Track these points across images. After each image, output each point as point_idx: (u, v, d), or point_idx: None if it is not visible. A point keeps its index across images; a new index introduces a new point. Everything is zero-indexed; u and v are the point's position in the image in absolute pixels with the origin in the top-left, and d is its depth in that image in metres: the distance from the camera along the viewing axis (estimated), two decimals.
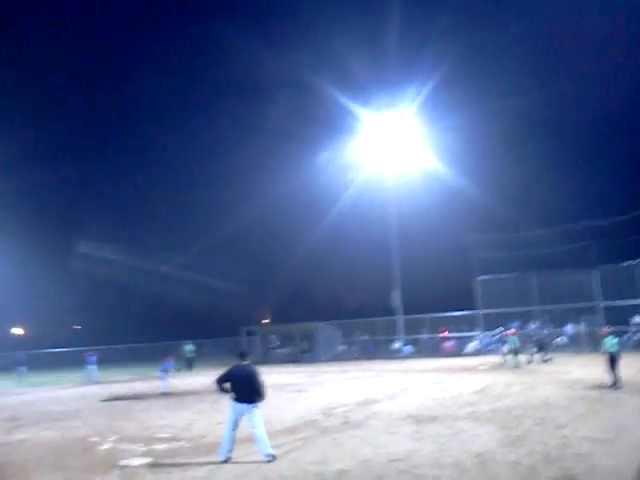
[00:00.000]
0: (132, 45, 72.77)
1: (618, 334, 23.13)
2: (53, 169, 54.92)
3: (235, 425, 8.64)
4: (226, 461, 8.40)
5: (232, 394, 8.73)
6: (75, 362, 37.64)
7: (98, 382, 26.09)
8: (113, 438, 10.88)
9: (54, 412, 15.77)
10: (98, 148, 66.03)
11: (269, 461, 8.28)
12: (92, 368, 27.62)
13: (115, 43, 67.90)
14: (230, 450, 8.53)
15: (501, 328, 27.57)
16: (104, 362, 30.13)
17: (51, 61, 64.38)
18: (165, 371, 20.33)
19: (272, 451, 8.47)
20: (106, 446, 10.16)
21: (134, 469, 8.24)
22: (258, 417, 8.62)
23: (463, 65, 44.11)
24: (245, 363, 9.06)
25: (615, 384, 14.19)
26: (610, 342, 14.73)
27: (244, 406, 8.61)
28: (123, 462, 8.66)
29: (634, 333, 26.97)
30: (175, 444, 10.01)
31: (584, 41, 43.55)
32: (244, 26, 60.89)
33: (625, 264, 27.29)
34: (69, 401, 18.78)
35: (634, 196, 30.24)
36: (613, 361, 14.43)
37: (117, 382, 25.32)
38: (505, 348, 23.62)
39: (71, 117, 66.35)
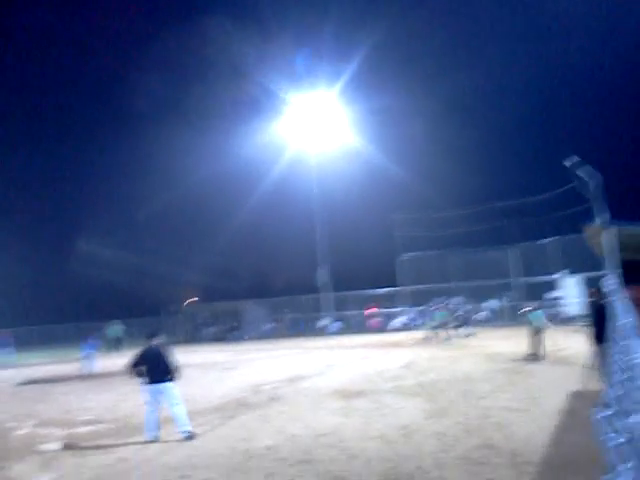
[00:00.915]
0: None
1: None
2: None
3: (154, 406, 8.59)
4: (153, 441, 8.28)
5: (145, 376, 8.66)
6: None
7: (14, 365, 24.91)
8: (31, 423, 10.43)
9: None
10: None
11: (187, 438, 8.30)
12: (6, 350, 26.30)
13: None
14: (155, 430, 8.44)
15: (431, 303, 28.34)
16: (20, 344, 28.76)
17: (47, 58, 60.46)
18: (90, 352, 19.66)
19: (190, 428, 8.50)
20: (24, 431, 9.73)
21: (54, 453, 7.94)
22: (174, 395, 8.63)
23: (387, 46, 44.57)
24: (154, 343, 9.02)
25: (535, 356, 14.90)
26: (537, 316, 15.47)
27: (159, 386, 8.58)
28: (42, 447, 8.33)
29: (550, 308, 28.38)
30: (98, 426, 9.72)
31: (506, 23, 44.93)
32: (174, 5, 59.11)
33: (540, 242, 28.56)
34: None
35: (548, 177, 31.61)
36: (538, 334, 15.15)
37: (35, 365, 24.26)
38: (434, 323, 24.21)
39: None
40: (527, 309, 16.67)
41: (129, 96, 59.34)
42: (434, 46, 48.38)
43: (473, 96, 46.56)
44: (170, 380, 8.66)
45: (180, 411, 8.59)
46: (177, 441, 8.25)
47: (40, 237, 54.53)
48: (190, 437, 8.34)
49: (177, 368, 8.83)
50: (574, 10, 38.95)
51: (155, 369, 8.65)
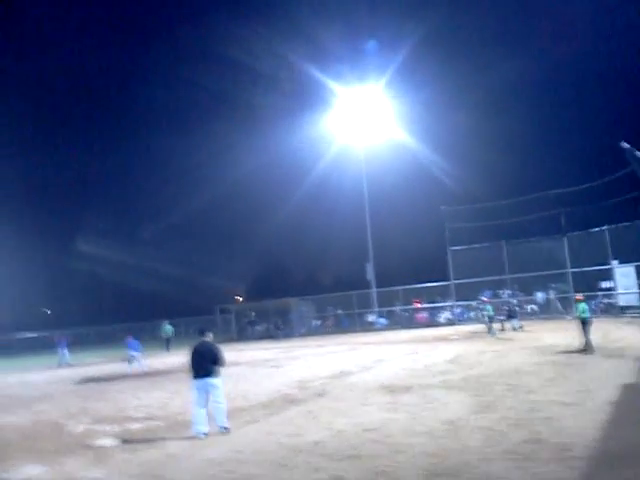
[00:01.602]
0: None
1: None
2: None
3: (202, 401, 8.79)
4: (200, 437, 8.47)
5: (192, 371, 8.95)
6: (46, 346, 37.28)
7: (70, 365, 25.81)
8: (86, 420, 10.79)
9: (25, 396, 15.52)
10: None
11: (222, 433, 8.54)
12: (63, 351, 27.28)
13: None
14: (202, 426, 8.62)
15: (480, 297, 27.92)
16: (76, 345, 29.78)
17: (52, 57, 62.72)
18: (135, 351, 20.17)
19: (227, 424, 8.71)
20: (79, 428, 10.07)
21: (108, 449, 8.20)
22: (218, 391, 8.84)
23: (433, 39, 44.08)
24: (205, 339, 9.30)
25: (586, 349, 14.54)
26: (582, 308, 15.08)
27: (204, 381, 8.79)
28: (97, 443, 8.61)
29: (602, 298, 27.61)
30: (150, 423, 9.98)
31: (556, 14, 43.76)
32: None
33: (592, 231, 27.76)
34: (40, 385, 18.55)
35: (599, 164, 30.67)
36: (585, 326, 14.78)
37: (89, 365, 25.08)
38: (484, 315, 23.77)
39: None
40: (579, 298, 16.25)
41: (177, 89, 60.34)
42: (480, 37, 47.77)
43: (521, 85, 45.64)
44: (215, 376, 8.86)
45: (220, 407, 8.79)
46: (224, 437, 8.42)
47: (94, 242, 56.15)
48: (225, 432, 8.58)
49: (223, 365, 9.04)
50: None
51: (201, 364, 8.89)
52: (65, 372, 22.65)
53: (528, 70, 43.94)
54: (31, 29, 62.38)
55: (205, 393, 8.82)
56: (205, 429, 8.60)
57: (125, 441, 8.63)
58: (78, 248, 53.85)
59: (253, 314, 39.29)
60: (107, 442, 8.60)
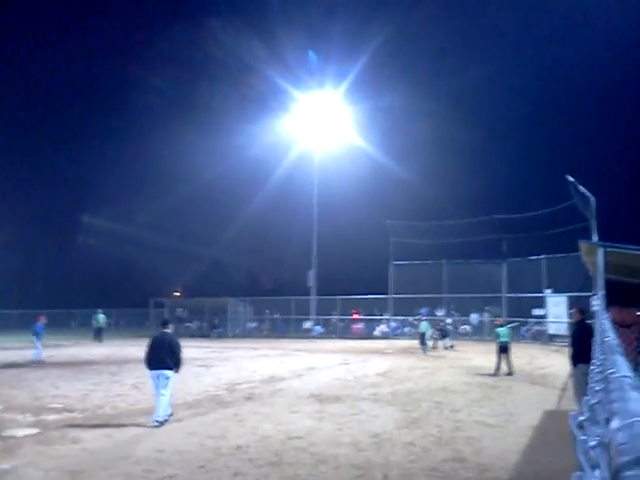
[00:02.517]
0: None
1: (516, 325, 24.41)
2: None
3: (158, 390, 8.92)
4: (161, 424, 8.66)
5: (149, 361, 9.08)
6: None
7: None
8: None
9: None
10: None
11: (155, 426, 8.56)
12: None
13: None
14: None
15: (418, 313, 28.30)
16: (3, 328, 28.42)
17: (53, 44, 60.08)
18: (38, 334, 19.39)
19: (161, 419, 8.75)
20: None
21: (19, 440, 7.81)
22: (168, 383, 8.97)
23: (392, 47, 44.55)
24: (165, 331, 9.50)
25: (497, 372, 14.99)
26: (502, 332, 15.48)
27: (159, 372, 8.92)
28: (8, 432, 8.20)
29: (533, 325, 28.45)
30: (67, 415, 9.59)
31: (511, 23, 45.03)
32: (182, 2, 58.88)
33: (531, 258, 28.62)
34: None
35: (546, 193, 31.68)
36: (503, 350, 15.17)
37: (8, 349, 23.95)
38: (419, 332, 23.99)
39: None
40: (498, 322, 16.73)
41: (135, 92, 59.07)
42: (438, 46, 48.52)
43: (477, 99, 46.53)
44: (170, 368, 9.00)
45: (164, 400, 8.88)
46: (145, 435, 8.18)
47: (33, 222, 54.15)
48: (157, 426, 8.59)
49: (180, 359, 9.23)
50: (583, 11, 39.05)
51: (158, 355, 9.02)
52: None
53: (486, 82, 44.98)
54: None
55: (158, 382, 8.94)
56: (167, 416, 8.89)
57: (38, 432, 8.24)
58: (13, 229, 51.82)
59: (181, 310, 38.66)
60: (19, 432, 8.20)
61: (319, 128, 37.08)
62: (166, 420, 8.82)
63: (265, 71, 43.27)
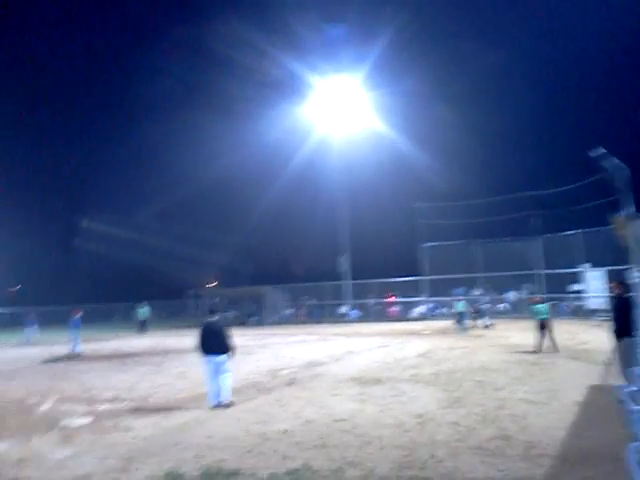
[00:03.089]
0: None
1: (553, 301, 24.10)
2: None
3: (214, 375, 9.41)
4: (216, 407, 9.22)
5: (201, 348, 9.55)
6: (13, 323, 36.64)
7: (37, 343, 25.39)
8: (53, 399, 10.64)
9: None
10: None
11: (227, 406, 9.24)
12: (31, 329, 26.83)
13: None
14: (216, 398, 9.36)
15: (455, 294, 28.20)
16: (45, 323, 29.28)
17: (52, 41, 61.36)
18: (75, 328, 19.87)
19: (230, 399, 9.43)
20: (46, 407, 9.93)
21: (74, 429, 8.09)
22: (225, 367, 9.49)
23: (413, 30, 44.03)
24: (214, 319, 9.90)
25: (538, 348, 14.82)
26: (541, 309, 15.30)
27: (214, 357, 9.41)
28: (63, 422, 8.49)
29: (572, 300, 28.06)
30: (117, 405, 9.88)
31: (543, 9, 43.94)
32: None
33: (566, 234, 28.14)
34: (6, 363, 18.19)
35: (577, 167, 31.05)
36: (543, 327, 15.01)
37: (58, 344, 24.67)
38: (455, 312, 23.89)
39: None
40: (535, 299, 16.52)
41: (153, 81, 59.67)
42: (458, 28, 47.77)
43: (505, 78, 45.79)
44: (224, 353, 9.49)
45: (226, 382, 9.47)
46: (192, 422, 8.37)
47: (69, 221, 55.32)
48: (230, 405, 9.27)
49: (232, 345, 9.63)
50: None
51: (211, 342, 9.49)
52: (32, 350, 22.26)
53: (513, 63, 44.20)
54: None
55: (214, 369, 9.41)
56: (215, 402, 9.33)
57: (92, 422, 8.52)
58: (51, 228, 53.10)
59: (217, 299, 39.14)
60: (74, 422, 8.49)
61: (339, 113, 36.80)
62: (228, 403, 9.36)
63: (283, 56, 43.11)
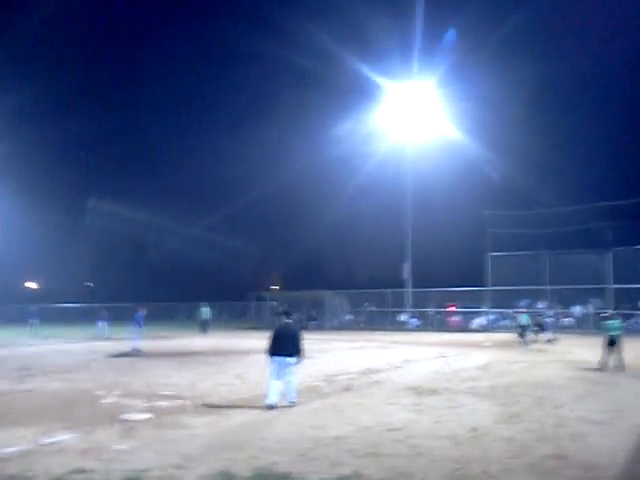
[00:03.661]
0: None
1: (625, 317, 23.16)
2: (67, 126, 55.03)
3: (277, 376, 9.65)
4: (272, 407, 9.40)
5: (272, 348, 9.79)
6: (86, 318, 38.36)
7: (108, 338, 26.53)
8: (117, 392, 11.12)
9: (63, 365, 16.08)
10: (116, 104, 65.84)
11: (290, 406, 9.58)
12: (103, 324, 28.08)
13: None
14: (274, 397, 9.54)
15: (520, 306, 27.56)
16: (116, 319, 30.54)
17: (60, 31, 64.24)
18: (138, 324, 20.47)
19: (295, 400, 9.70)
20: (110, 400, 10.40)
21: (135, 423, 8.44)
22: (293, 369, 9.79)
23: (486, 35, 43.27)
24: (288, 321, 10.36)
25: (604, 366, 14.25)
26: (613, 325, 14.71)
27: (283, 359, 9.67)
28: (125, 416, 8.87)
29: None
30: (178, 402, 10.22)
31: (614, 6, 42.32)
32: None
33: (637, 247, 26.98)
34: (78, 355, 19.14)
35: None
36: (612, 344, 14.41)
37: (126, 339, 25.69)
38: (517, 325, 23.29)
39: (83, 72, 66.06)
40: (608, 315, 15.89)
41: (227, 90, 61.23)
42: (532, 31, 46.59)
43: (575, 86, 44.38)
44: (294, 356, 9.76)
45: (293, 384, 9.80)
46: (249, 423, 8.58)
47: (144, 227, 57.35)
48: (293, 405, 9.63)
49: (303, 349, 9.94)
50: None
51: (283, 343, 9.77)
52: (103, 345, 23.31)
53: (590, 68, 42.69)
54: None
55: (281, 369, 9.66)
56: (275, 400, 9.52)
57: (152, 417, 8.87)
58: (126, 223, 55.20)
59: (275, 303, 39.62)
60: (135, 416, 8.85)
61: (412, 119, 36.52)
62: (293, 403, 9.67)
63: (355, 61, 43.20)
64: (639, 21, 42.77)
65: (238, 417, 8.94)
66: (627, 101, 45.26)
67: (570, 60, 42.13)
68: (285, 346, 9.73)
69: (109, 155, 61.99)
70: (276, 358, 9.72)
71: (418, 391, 11.33)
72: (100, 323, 28.17)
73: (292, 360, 9.73)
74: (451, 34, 40.29)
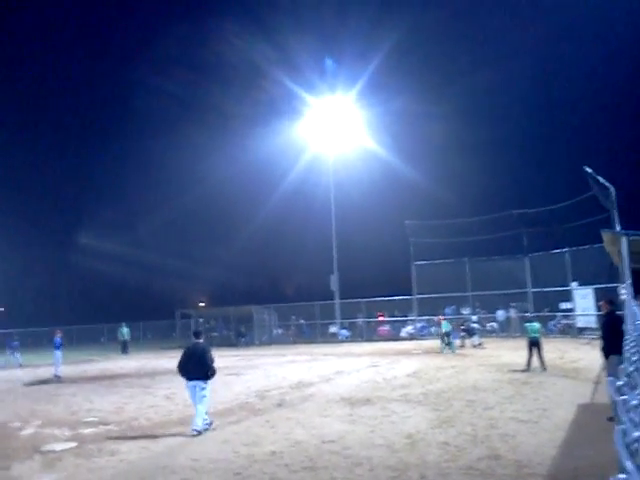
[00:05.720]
0: None
1: (544, 320, 24.10)
2: None
3: (194, 399, 9.17)
4: (200, 433, 8.81)
5: (183, 371, 9.28)
6: None
7: (21, 366, 25.02)
8: (36, 423, 10.46)
9: None
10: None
11: (193, 435, 8.70)
12: (14, 352, 26.39)
13: None
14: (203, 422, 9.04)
15: (444, 313, 28.18)
16: (28, 345, 28.88)
17: (48, 54, 61.62)
18: (57, 349, 19.41)
19: (200, 428, 8.88)
20: (29, 431, 9.76)
21: (58, 454, 7.95)
22: (204, 393, 9.16)
23: (404, 50, 44.53)
24: (198, 341, 9.72)
25: (529, 367, 14.77)
26: (532, 327, 15.28)
27: (195, 382, 9.13)
28: (46, 447, 8.34)
29: (560, 319, 28.08)
30: (103, 428, 9.73)
31: (530, 24, 44.58)
32: (194, 6, 59.56)
33: (553, 252, 28.26)
34: None
35: (565, 186, 31.36)
36: (534, 345, 14.96)
37: (42, 366, 24.32)
38: (442, 332, 23.82)
39: None
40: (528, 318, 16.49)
41: (147, 96, 59.79)
42: (448, 49, 48.34)
43: (491, 99, 46.19)
44: (204, 379, 9.19)
45: (201, 409, 9.07)
46: (180, 445, 8.25)
47: (51, 238, 54.96)
48: (196, 435, 8.74)
49: (213, 369, 9.35)
50: (598, 12, 38.63)
51: (193, 366, 9.24)
52: (16, 373, 21.94)
53: (503, 82, 44.56)
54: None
55: (195, 393, 9.17)
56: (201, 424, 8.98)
57: (76, 446, 8.37)
58: (37, 248, 52.75)
59: (201, 320, 38.87)
60: (57, 446, 8.34)
61: (332, 132, 37.02)
62: (206, 429, 8.99)
63: (277, 75, 43.55)
64: (541, 33, 44.94)
65: (168, 439, 8.61)
66: (539, 114, 47.73)
67: (485, 75, 43.94)
68: (195, 368, 9.20)
69: (22, 165, 58.73)
70: (190, 383, 9.23)
71: (351, 402, 11.29)
72: (9, 351, 26.43)
73: (202, 383, 9.15)
74: (329, 63, 41.98)
